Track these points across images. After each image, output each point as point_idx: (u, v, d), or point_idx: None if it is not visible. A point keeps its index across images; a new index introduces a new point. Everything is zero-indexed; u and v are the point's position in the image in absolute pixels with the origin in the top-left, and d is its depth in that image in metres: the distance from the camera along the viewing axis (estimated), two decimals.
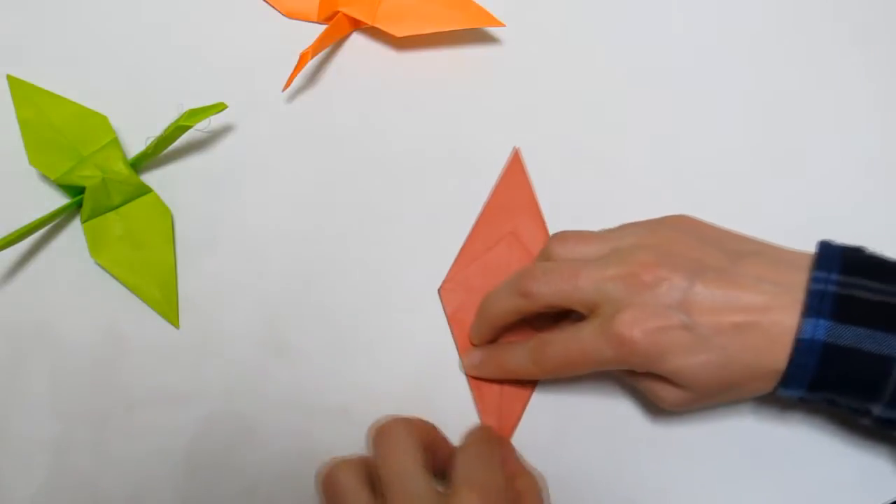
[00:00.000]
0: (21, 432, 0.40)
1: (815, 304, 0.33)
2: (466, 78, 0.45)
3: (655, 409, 0.39)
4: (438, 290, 0.41)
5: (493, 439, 0.36)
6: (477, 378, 0.40)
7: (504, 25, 0.44)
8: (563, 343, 0.36)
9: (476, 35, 0.46)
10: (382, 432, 0.34)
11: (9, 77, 0.44)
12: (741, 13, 0.47)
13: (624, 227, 0.38)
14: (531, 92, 0.45)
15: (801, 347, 0.33)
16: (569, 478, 0.39)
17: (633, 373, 0.36)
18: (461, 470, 0.33)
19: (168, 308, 0.41)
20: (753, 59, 0.46)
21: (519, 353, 0.38)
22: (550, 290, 0.36)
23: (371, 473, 0.33)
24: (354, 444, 0.39)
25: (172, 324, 0.41)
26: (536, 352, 0.37)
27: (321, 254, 0.42)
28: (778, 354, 0.33)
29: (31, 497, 0.39)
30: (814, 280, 0.33)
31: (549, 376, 0.38)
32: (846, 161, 0.44)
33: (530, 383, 0.40)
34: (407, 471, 0.32)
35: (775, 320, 0.33)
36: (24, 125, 0.43)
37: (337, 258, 0.42)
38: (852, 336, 0.32)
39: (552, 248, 0.38)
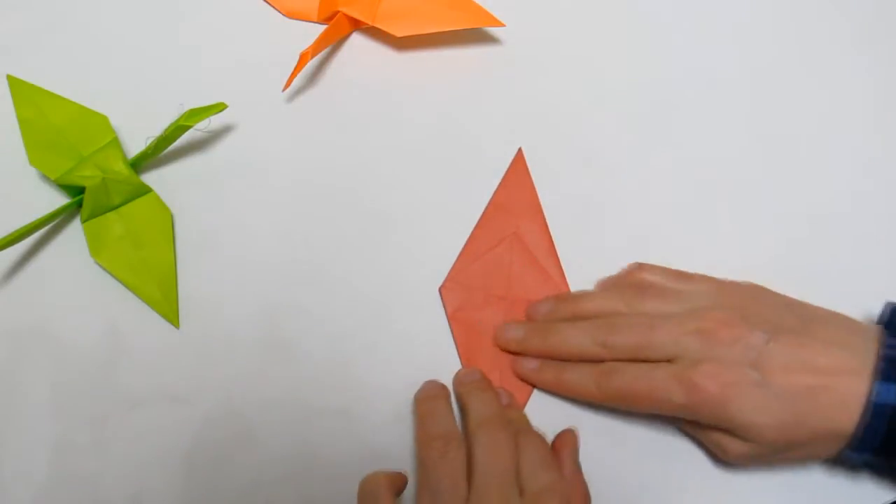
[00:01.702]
0: (21, 432, 0.40)
1: (889, 369, 0.33)
2: (466, 78, 0.45)
3: None
4: (439, 290, 0.41)
5: (544, 439, 0.37)
6: (531, 384, 0.40)
7: (504, 25, 0.44)
8: (634, 376, 0.36)
9: (476, 35, 0.46)
10: (488, 435, 0.36)
11: (9, 77, 0.44)
12: (741, 13, 0.47)
13: (696, 282, 0.38)
14: (531, 92, 0.45)
15: (874, 411, 0.33)
16: None
17: (698, 425, 0.37)
18: (535, 480, 0.34)
19: (168, 308, 0.41)
20: (753, 59, 0.46)
21: (584, 373, 0.38)
22: (629, 342, 0.36)
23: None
24: (354, 444, 0.39)
25: (172, 324, 0.41)
26: (603, 376, 0.37)
27: (321, 254, 0.42)
28: (847, 417, 0.33)
29: (31, 497, 0.39)
30: (888, 346, 0.34)
31: (607, 403, 0.38)
32: (846, 161, 0.44)
33: (529, 383, 0.40)
34: (505, 465, 0.34)
35: (847, 383, 0.34)
36: (24, 125, 0.43)
37: (337, 258, 0.42)
38: None
39: (632, 302, 0.38)
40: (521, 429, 0.37)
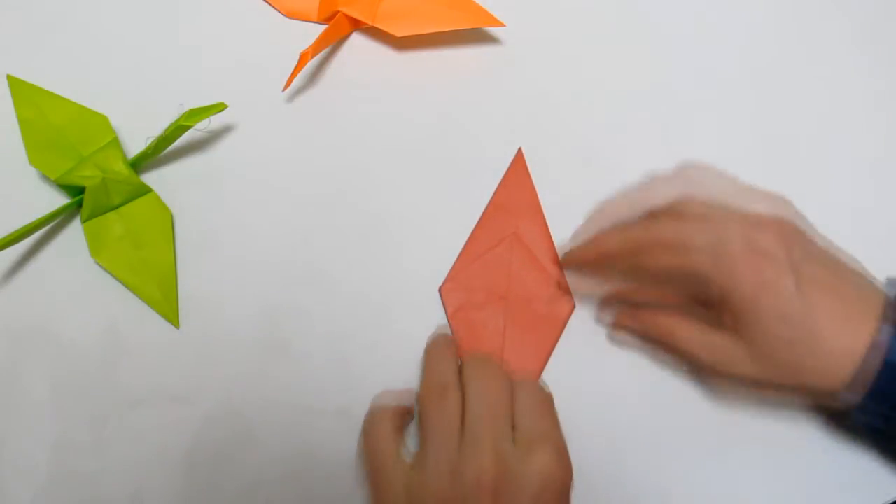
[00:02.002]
0: (21, 431, 0.40)
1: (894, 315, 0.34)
2: (466, 78, 0.45)
3: (656, 410, 0.39)
4: (439, 290, 0.41)
5: (543, 390, 0.38)
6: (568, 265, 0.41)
7: (504, 25, 0.44)
8: (675, 251, 0.36)
9: (476, 35, 0.46)
10: (481, 381, 0.36)
11: (9, 77, 0.44)
12: (742, 13, 0.47)
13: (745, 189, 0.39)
14: (531, 92, 0.45)
15: (876, 348, 0.33)
16: None
17: (708, 334, 0.37)
18: (529, 426, 0.35)
19: (168, 308, 0.41)
20: (754, 59, 0.46)
21: (617, 236, 0.39)
22: (680, 227, 0.37)
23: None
24: (354, 444, 0.39)
25: (172, 324, 0.41)
26: (644, 254, 0.37)
27: (321, 254, 0.42)
28: (852, 349, 0.34)
29: (31, 496, 0.39)
30: (891, 296, 0.35)
31: (641, 261, 0.38)
32: (847, 160, 0.44)
33: (539, 368, 0.40)
34: (506, 413, 0.35)
35: (862, 305, 0.34)
36: (24, 125, 0.43)
37: (337, 258, 0.42)
38: None
39: (680, 204, 0.38)
40: (521, 379, 0.37)
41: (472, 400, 0.36)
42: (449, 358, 0.38)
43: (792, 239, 0.36)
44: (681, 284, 0.37)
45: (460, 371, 0.38)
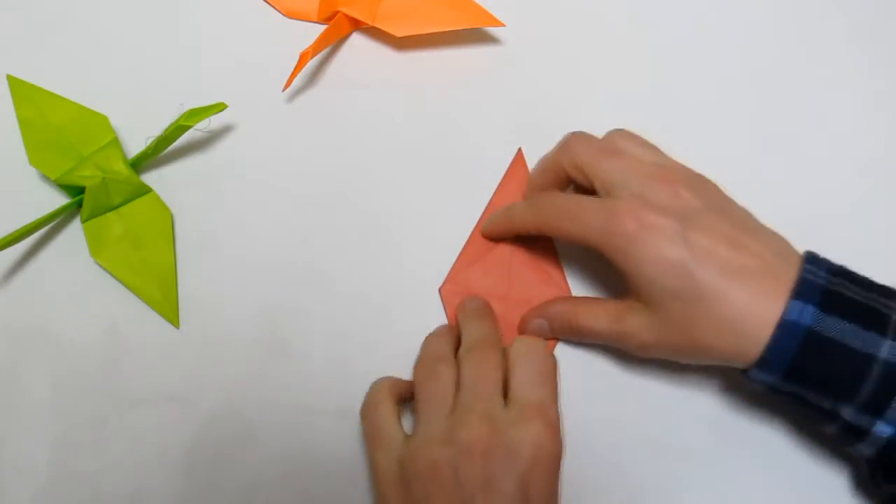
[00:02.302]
0: (21, 431, 0.40)
1: (805, 291, 0.32)
2: (466, 78, 0.45)
3: (656, 410, 0.39)
4: (439, 290, 0.41)
5: (545, 351, 0.37)
6: (488, 238, 0.41)
7: (504, 25, 0.44)
8: (567, 199, 0.37)
9: (476, 35, 0.46)
10: (475, 349, 0.37)
11: (9, 77, 0.44)
12: (742, 14, 0.47)
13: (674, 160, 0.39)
14: (531, 92, 0.45)
15: (786, 327, 0.32)
16: (569, 477, 0.39)
17: (618, 311, 0.37)
18: (523, 395, 0.35)
19: (168, 308, 0.41)
20: (754, 59, 0.46)
21: (523, 204, 0.39)
22: (585, 153, 0.37)
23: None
24: (354, 444, 0.39)
25: (172, 324, 0.41)
26: (541, 199, 0.38)
27: (321, 254, 0.42)
28: (752, 327, 0.33)
29: (31, 496, 0.39)
30: (805, 270, 0.33)
31: (543, 226, 0.38)
32: (845, 161, 0.44)
33: None
34: (496, 379, 0.36)
35: (765, 285, 0.33)
36: (24, 125, 0.43)
37: (337, 258, 0.42)
38: (836, 328, 0.32)
39: (611, 133, 0.38)
40: (525, 347, 0.37)
41: (466, 372, 0.36)
42: (446, 337, 0.39)
43: (691, 202, 0.35)
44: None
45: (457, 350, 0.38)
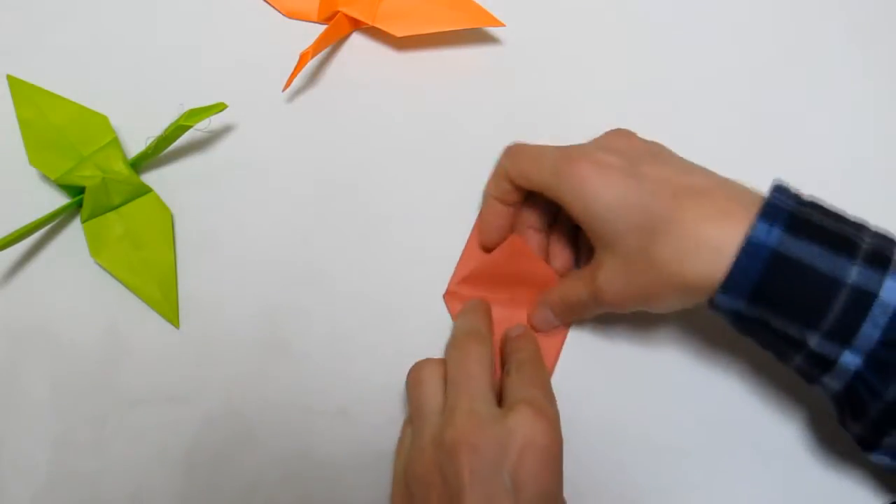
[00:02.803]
0: (21, 431, 0.40)
1: (771, 213, 0.32)
2: (466, 78, 0.45)
3: (656, 409, 0.39)
4: (443, 297, 0.41)
5: (541, 362, 0.38)
6: (487, 244, 0.41)
7: (504, 25, 0.44)
8: (529, 154, 0.38)
9: (476, 35, 0.46)
10: (458, 343, 0.37)
11: (9, 77, 0.44)
12: (741, 13, 0.47)
13: None
14: (532, 92, 0.45)
15: (750, 248, 0.31)
16: (569, 477, 0.39)
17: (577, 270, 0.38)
18: (514, 394, 0.35)
19: (168, 308, 0.41)
20: (753, 59, 0.46)
21: (495, 174, 0.40)
22: (533, 151, 0.38)
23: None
24: (354, 444, 0.39)
25: (172, 324, 0.41)
26: (505, 155, 0.39)
27: (321, 254, 0.42)
28: (720, 246, 0.31)
29: (31, 496, 0.39)
30: (772, 195, 0.32)
31: (511, 173, 0.38)
32: (845, 161, 0.44)
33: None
34: (479, 375, 0.35)
35: (721, 207, 0.32)
36: (24, 125, 0.43)
37: (337, 258, 0.42)
38: (804, 251, 0.31)
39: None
40: (517, 362, 0.37)
41: (450, 369, 0.36)
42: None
43: (645, 147, 0.36)
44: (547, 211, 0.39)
45: None
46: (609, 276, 0.35)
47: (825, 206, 0.33)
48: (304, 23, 0.46)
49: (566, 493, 0.38)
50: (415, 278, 0.42)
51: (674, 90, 0.45)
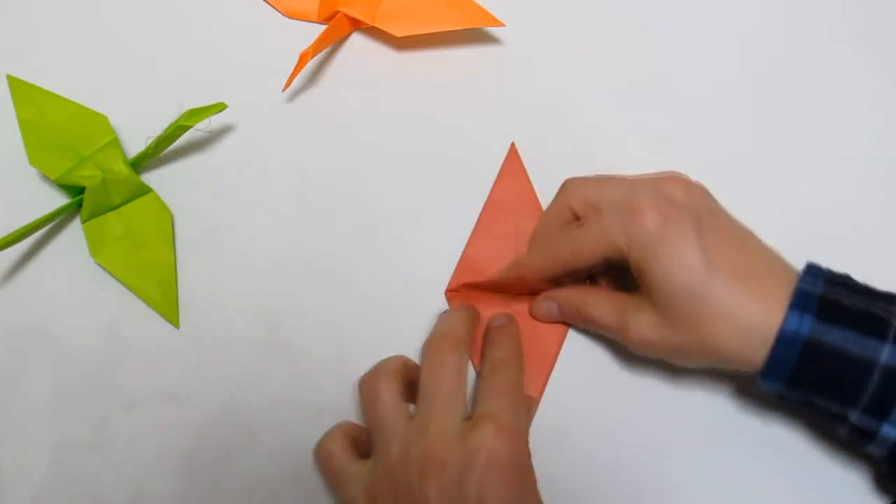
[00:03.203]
0: (21, 432, 0.40)
1: (802, 302, 0.33)
2: (466, 78, 0.45)
3: (656, 410, 0.39)
4: (445, 294, 0.41)
5: (515, 364, 0.37)
6: (508, 285, 0.40)
7: (504, 25, 0.44)
8: (583, 230, 0.37)
9: (476, 35, 0.46)
10: (435, 347, 0.36)
11: (9, 77, 0.44)
12: (742, 13, 0.47)
13: None
14: (532, 92, 0.45)
15: (784, 338, 0.33)
16: (570, 477, 0.39)
17: (616, 303, 0.37)
18: (481, 407, 0.34)
19: (168, 308, 0.41)
20: (754, 58, 0.46)
21: (538, 247, 0.39)
22: (590, 184, 0.38)
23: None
24: None
25: (172, 324, 0.41)
26: (557, 237, 0.38)
27: (321, 254, 0.42)
28: (756, 333, 0.33)
29: (31, 497, 0.39)
30: (801, 281, 0.34)
31: (560, 265, 0.38)
32: (845, 161, 0.44)
33: (540, 384, 0.40)
34: (452, 391, 0.34)
35: (768, 287, 0.33)
36: (24, 125, 0.43)
37: (337, 258, 0.42)
38: (836, 336, 0.32)
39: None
40: (490, 366, 0.37)
41: (424, 379, 0.35)
42: (396, 360, 0.37)
43: (702, 201, 0.36)
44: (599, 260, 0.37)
45: None
46: (645, 322, 0.36)
47: (854, 283, 0.35)
48: (304, 23, 0.46)
49: (565, 495, 0.38)
50: (415, 278, 0.42)
51: (674, 89, 0.45)
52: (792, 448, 0.39)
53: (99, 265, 0.41)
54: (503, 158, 0.44)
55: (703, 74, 0.45)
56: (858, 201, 0.43)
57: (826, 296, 0.33)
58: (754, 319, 0.33)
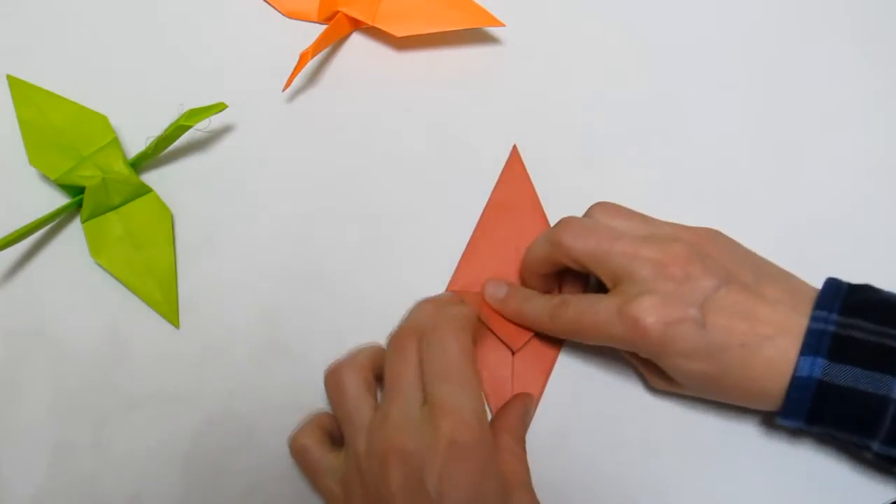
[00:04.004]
0: (21, 432, 0.40)
1: (814, 343, 0.33)
2: (466, 78, 0.45)
3: (655, 410, 0.40)
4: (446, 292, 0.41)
5: (450, 339, 0.35)
6: (497, 310, 0.40)
7: (504, 25, 0.44)
8: (580, 308, 0.37)
9: (476, 35, 0.46)
10: (398, 339, 0.36)
11: (9, 77, 0.44)
12: (741, 13, 0.47)
13: (665, 221, 0.38)
14: (531, 92, 0.45)
15: (797, 384, 0.33)
16: (569, 478, 0.39)
17: (635, 354, 0.37)
18: (432, 392, 0.34)
19: (168, 308, 0.41)
20: (754, 58, 0.46)
21: (539, 304, 0.39)
22: (582, 246, 0.36)
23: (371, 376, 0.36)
24: None
25: (172, 324, 0.41)
26: (555, 308, 0.38)
27: (321, 254, 0.42)
28: (773, 383, 0.34)
29: (31, 497, 0.39)
30: (813, 319, 0.34)
31: (560, 335, 0.39)
32: (847, 161, 0.44)
33: (539, 385, 0.40)
34: (410, 382, 0.34)
35: (780, 347, 0.34)
36: (24, 125, 0.43)
37: (337, 258, 0.42)
38: (848, 375, 0.33)
39: (594, 212, 0.38)
40: (437, 334, 0.35)
41: (387, 369, 0.35)
42: (364, 352, 0.37)
43: (702, 282, 0.34)
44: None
45: None
46: (662, 382, 0.38)
47: (873, 300, 0.35)
48: (304, 23, 0.46)
49: (565, 495, 0.38)
50: (414, 278, 0.42)
51: (674, 88, 0.45)
52: (792, 449, 0.39)
53: (99, 265, 0.41)
54: (502, 158, 0.44)
55: (704, 74, 0.45)
56: (858, 202, 0.43)
57: (839, 332, 0.33)
58: (768, 376, 0.34)
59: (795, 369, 0.33)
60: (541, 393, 0.40)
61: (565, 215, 0.41)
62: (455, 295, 0.40)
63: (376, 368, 0.37)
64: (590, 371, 0.40)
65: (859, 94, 0.45)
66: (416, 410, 0.34)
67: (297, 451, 0.36)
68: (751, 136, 0.44)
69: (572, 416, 0.40)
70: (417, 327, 0.36)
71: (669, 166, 0.44)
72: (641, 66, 0.46)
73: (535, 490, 0.35)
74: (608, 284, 0.36)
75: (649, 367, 0.37)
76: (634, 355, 0.38)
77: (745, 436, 0.39)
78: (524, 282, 0.41)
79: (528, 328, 0.40)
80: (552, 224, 0.42)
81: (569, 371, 0.40)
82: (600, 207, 0.38)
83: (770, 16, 0.47)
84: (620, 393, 0.40)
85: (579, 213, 0.42)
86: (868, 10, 0.46)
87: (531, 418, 0.39)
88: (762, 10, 0.47)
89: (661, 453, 0.39)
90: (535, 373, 0.40)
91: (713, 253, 0.36)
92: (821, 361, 0.33)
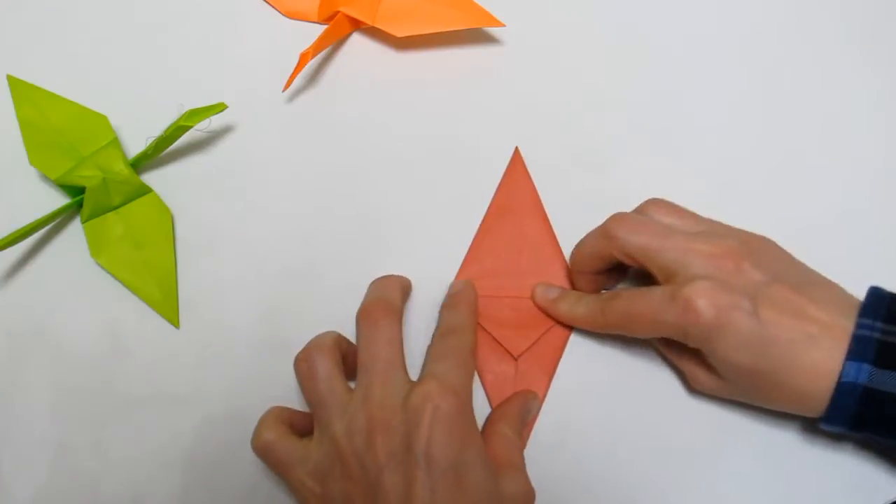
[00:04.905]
0: (21, 433, 0.40)
1: (859, 349, 0.33)
2: (466, 78, 0.45)
3: (656, 410, 0.40)
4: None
5: (468, 329, 0.38)
6: (547, 313, 0.40)
7: (504, 25, 0.44)
8: (633, 297, 0.37)
9: (476, 35, 0.46)
10: (367, 315, 0.37)
11: (9, 77, 0.44)
12: (741, 13, 0.47)
13: (716, 221, 0.39)
14: (531, 92, 0.45)
15: (843, 388, 0.33)
16: (569, 478, 0.39)
17: (676, 349, 0.37)
18: (431, 361, 0.35)
19: (168, 308, 0.41)
20: (755, 58, 0.46)
21: (591, 301, 0.39)
22: (636, 240, 0.37)
23: (344, 355, 0.37)
24: None
25: (172, 324, 0.41)
26: (606, 301, 0.38)
27: (321, 254, 0.42)
28: (816, 386, 0.34)
29: (31, 497, 0.39)
30: (859, 326, 0.34)
31: (612, 329, 0.38)
32: (847, 161, 0.44)
33: (542, 386, 0.40)
34: (390, 357, 0.35)
35: (825, 349, 0.34)
36: (24, 125, 0.43)
37: (337, 259, 0.42)
38: (893, 382, 0.33)
39: (647, 208, 0.39)
40: (446, 325, 0.37)
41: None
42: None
43: (755, 276, 0.35)
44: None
45: None
46: (706, 381, 0.38)
47: None
48: (304, 23, 0.46)
49: (565, 496, 0.38)
50: (415, 279, 0.42)
51: (674, 89, 0.45)
52: (792, 449, 0.39)
53: (99, 265, 0.41)
54: (502, 158, 0.44)
55: (704, 74, 0.45)
56: (858, 203, 0.43)
57: (884, 339, 0.33)
58: (814, 378, 0.34)
59: (841, 374, 0.33)
60: (544, 395, 0.40)
61: (565, 216, 0.42)
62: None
63: (345, 352, 0.37)
64: (590, 372, 0.40)
65: (859, 95, 0.45)
66: (397, 387, 0.34)
67: (263, 449, 0.36)
68: (751, 135, 0.44)
69: (573, 416, 0.40)
70: (387, 304, 0.37)
71: (670, 166, 0.44)
72: (642, 66, 0.46)
73: (535, 490, 0.35)
74: (660, 279, 0.36)
75: (694, 362, 0.37)
76: (679, 351, 0.37)
77: (745, 436, 0.39)
78: (573, 284, 0.41)
79: (577, 327, 0.40)
80: (553, 225, 0.42)
81: (569, 372, 0.40)
82: (654, 204, 0.39)
83: (770, 16, 0.47)
84: (621, 394, 0.40)
85: (580, 213, 0.42)
86: (868, 10, 0.46)
87: (532, 415, 0.39)
88: (762, 11, 0.47)
89: (661, 453, 0.39)
90: (538, 375, 0.40)
91: (764, 252, 0.36)
92: (867, 367, 0.33)
